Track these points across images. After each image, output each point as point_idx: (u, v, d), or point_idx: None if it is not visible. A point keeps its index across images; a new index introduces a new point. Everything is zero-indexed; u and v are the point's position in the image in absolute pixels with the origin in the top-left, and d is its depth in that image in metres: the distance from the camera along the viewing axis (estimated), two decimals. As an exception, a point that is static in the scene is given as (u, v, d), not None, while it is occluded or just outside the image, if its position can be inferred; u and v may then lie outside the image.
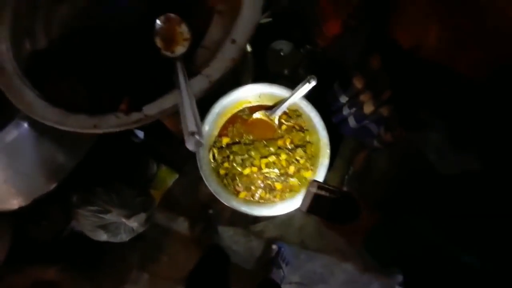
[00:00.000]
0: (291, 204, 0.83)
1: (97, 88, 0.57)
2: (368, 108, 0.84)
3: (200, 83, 0.54)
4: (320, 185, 0.54)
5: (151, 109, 0.54)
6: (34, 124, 0.74)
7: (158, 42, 0.60)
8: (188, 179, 1.11)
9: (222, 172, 0.89)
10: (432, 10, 0.62)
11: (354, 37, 0.80)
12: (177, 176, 1.02)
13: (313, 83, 0.84)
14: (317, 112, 0.87)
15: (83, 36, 0.63)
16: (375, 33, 0.76)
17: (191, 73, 0.56)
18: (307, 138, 0.90)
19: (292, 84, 0.83)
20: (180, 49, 0.60)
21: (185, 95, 0.52)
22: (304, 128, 0.90)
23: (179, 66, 0.56)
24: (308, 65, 0.98)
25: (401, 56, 0.73)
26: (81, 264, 0.95)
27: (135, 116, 0.54)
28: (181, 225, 1.11)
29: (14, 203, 0.77)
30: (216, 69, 0.55)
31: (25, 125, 0.73)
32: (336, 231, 0.59)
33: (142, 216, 0.84)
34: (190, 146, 0.48)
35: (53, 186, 0.77)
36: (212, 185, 0.85)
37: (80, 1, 0.67)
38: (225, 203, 0.85)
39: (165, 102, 0.54)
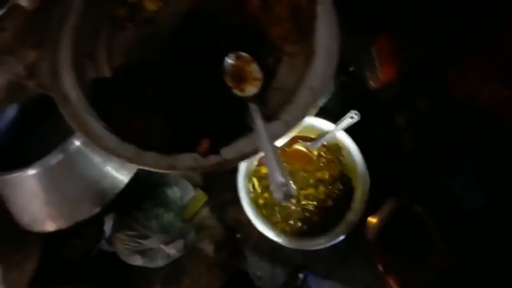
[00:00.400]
0: (329, 238, 0.83)
1: (168, 124, 0.56)
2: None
3: (279, 129, 0.54)
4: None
5: (230, 153, 0.53)
6: (82, 148, 0.72)
7: (228, 80, 0.60)
8: (216, 201, 1.10)
9: (261, 201, 0.89)
10: (494, 68, 0.64)
11: (405, 81, 0.82)
12: (207, 198, 1.02)
13: (356, 118, 0.86)
14: (357, 147, 0.89)
15: (149, 66, 0.61)
16: (427, 79, 0.78)
17: (266, 116, 0.56)
18: (346, 172, 0.91)
19: (323, 112, 0.85)
20: (251, 89, 0.59)
21: (266, 143, 0.51)
22: (343, 162, 0.91)
23: (252, 108, 0.56)
24: (345, 97, 0.99)
25: (451, 103, 0.74)
26: (108, 285, 0.93)
27: (213, 159, 0.53)
28: (206, 248, 1.10)
29: (53, 225, 0.76)
30: (294, 116, 0.55)
31: (73, 148, 0.71)
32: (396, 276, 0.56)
33: (181, 242, 0.83)
34: (279, 197, 0.48)
35: (97, 210, 0.75)
36: (251, 214, 0.85)
37: (144, 30, 0.66)
38: (264, 233, 0.85)
39: (244, 146, 0.54)
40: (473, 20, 0.68)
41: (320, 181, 0.91)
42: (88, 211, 0.75)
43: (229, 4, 0.66)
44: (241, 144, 0.54)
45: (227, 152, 0.53)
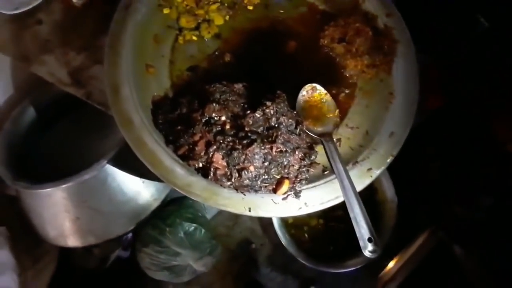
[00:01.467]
0: (355, 262, 0.84)
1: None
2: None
3: (361, 176, 0.52)
4: None
5: (311, 198, 0.51)
6: (118, 163, 0.67)
7: (302, 115, 0.57)
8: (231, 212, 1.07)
9: (290, 221, 0.88)
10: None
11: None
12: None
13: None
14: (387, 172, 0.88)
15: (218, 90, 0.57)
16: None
17: (344, 158, 0.54)
18: (376, 196, 0.91)
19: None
20: (326, 126, 0.57)
21: (351, 193, 0.50)
22: (373, 185, 0.90)
23: (330, 148, 0.53)
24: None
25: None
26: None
27: (294, 204, 0.51)
28: (221, 256, 1.08)
29: (81, 242, 0.71)
30: (376, 163, 0.53)
31: (109, 163, 0.66)
32: None
33: (209, 259, 0.81)
34: (368, 253, 0.47)
35: (131, 228, 0.71)
36: (281, 233, 0.84)
37: (210, 45, 0.61)
38: (292, 253, 0.84)
39: (326, 192, 0.51)
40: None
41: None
42: (121, 229, 0.71)
43: (303, 31, 0.61)
44: (323, 189, 0.51)
45: (309, 197, 0.50)
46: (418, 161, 0.94)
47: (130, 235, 0.84)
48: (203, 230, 0.81)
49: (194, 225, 0.80)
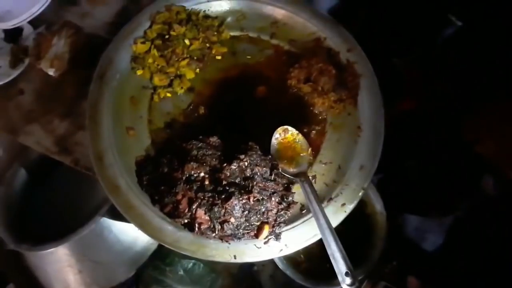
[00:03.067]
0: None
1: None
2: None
3: (336, 213, 0.56)
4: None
5: (291, 239, 0.55)
6: (112, 214, 0.71)
7: (277, 157, 0.60)
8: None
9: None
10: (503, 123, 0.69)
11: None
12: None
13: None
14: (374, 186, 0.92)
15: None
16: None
17: (319, 195, 0.57)
18: (365, 210, 0.94)
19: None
20: (301, 165, 0.60)
21: (327, 230, 0.53)
22: (362, 200, 0.94)
23: (305, 188, 0.57)
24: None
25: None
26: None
27: (276, 246, 0.54)
28: (223, 282, 1.11)
29: (86, 292, 0.74)
30: (349, 197, 0.57)
31: (104, 216, 0.70)
32: None
33: (210, 293, 0.84)
34: (345, 286, 0.50)
35: (131, 274, 0.75)
36: (277, 258, 0.87)
37: (184, 100, 0.64)
38: (290, 276, 0.87)
39: (305, 232, 0.55)
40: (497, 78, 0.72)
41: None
42: (122, 275, 0.74)
43: (271, 74, 0.65)
44: (301, 229, 0.55)
45: (289, 239, 0.54)
46: (394, 161, 0.97)
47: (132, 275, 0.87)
48: (201, 265, 0.84)
49: (193, 261, 0.83)
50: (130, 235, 0.74)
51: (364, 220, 0.94)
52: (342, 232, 0.93)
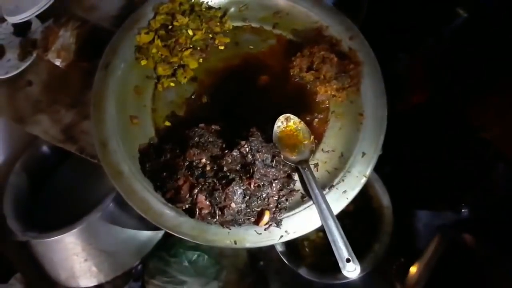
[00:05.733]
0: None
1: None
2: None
3: (338, 200, 0.56)
4: None
5: (292, 226, 0.55)
6: (118, 203, 0.72)
7: (279, 145, 0.60)
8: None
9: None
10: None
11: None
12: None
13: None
14: (381, 180, 0.91)
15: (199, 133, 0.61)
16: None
17: (321, 183, 0.57)
18: (371, 203, 0.93)
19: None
20: (303, 153, 0.60)
21: (329, 217, 0.53)
22: (368, 193, 0.93)
23: (308, 175, 0.57)
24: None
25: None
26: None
27: (276, 232, 0.54)
28: (229, 277, 1.11)
29: (92, 281, 0.75)
30: (351, 185, 0.57)
31: (111, 203, 0.71)
32: None
33: (215, 284, 0.84)
34: (345, 273, 0.50)
35: (136, 263, 0.75)
36: (282, 251, 0.87)
37: (187, 89, 0.65)
38: (295, 270, 0.87)
39: (305, 218, 0.55)
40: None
41: (345, 213, 0.93)
42: (128, 264, 0.76)
43: (274, 63, 0.65)
44: (302, 216, 0.55)
45: (290, 225, 0.54)
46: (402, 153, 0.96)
47: (140, 266, 0.88)
48: (206, 257, 0.85)
49: (197, 252, 0.84)
50: (135, 224, 0.75)
51: (371, 215, 0.93)
52: (349, 226, 0.93)
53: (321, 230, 0.91)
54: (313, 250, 0.93)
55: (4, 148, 0.84)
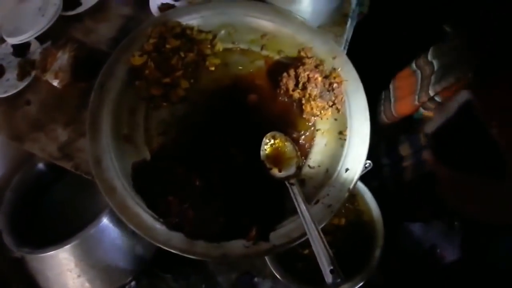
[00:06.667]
0: (352, 283, 0.87)
1: (217, 213, 0.58)
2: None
3: (323, 213, 0.58)
4: None
5: (279, 239, 0.57)
6: (112, 220, 0.73)
7: (266, 162, 0.63)
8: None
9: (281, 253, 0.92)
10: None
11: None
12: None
13: (369, 167, 0.90)
14: (370, 193, 0.93)
15: (190, 151, 0.64)
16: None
17: (306, 197, 0.59)
18: (363, 217, 0.95)
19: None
20: (289, 169, 0.63)
21: (312, 229, 0.55)
22: (358, 207, 0.95)
23: (294, 190, 0.59)
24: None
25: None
26: None
27: (263, 246, 0.56)
28: (223, 291, 1.12)
29: (85, 297, 0.76)
30: (335, 199, 0.59)
31: (104, 220, 0.73)
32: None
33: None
34: (329, 282, 0.52)
35: (129, 278, 0.77)
36: (274, 267, 0.88)
37: (179, 109, 0.67)
38: (288, 285, 0.88)
39: (291, 231, 0.57)
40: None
41: (337, 227, 0.95)
42: (121, 280, 0.77)
43: (262, 83, 0.69)
44: (288, 229, 0.57)
45: (277, 239, 0.56)
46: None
47: (133, 282, 0.89)
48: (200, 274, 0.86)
49: (191, 270, 0.85)
50: (128, 240, 0.77)
51: (363, 228, 0.95)
52: (342, 240, 0.94)
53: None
54: (306, 266, 0.94)
55: (1, 164, 0.86)
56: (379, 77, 0.82)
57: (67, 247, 0.71)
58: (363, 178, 0.84)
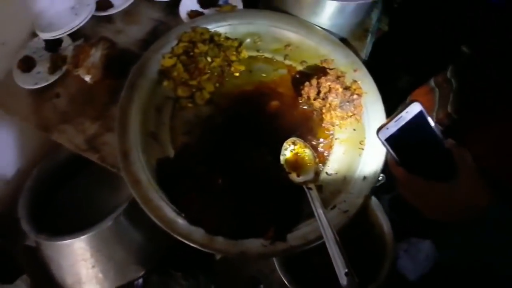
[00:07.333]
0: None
1: (236, 212, 0.60)
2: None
3: (339, 218, 0.60)
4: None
5: (296, 240, 0.59)
6: (128, 216, 0.75)
7: (286, 166, 0.65)
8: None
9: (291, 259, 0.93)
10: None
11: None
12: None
13: (382, 181, 0.92)
14: (381, 205, 0.95)
15: (212, 151, 0.66)
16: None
17: (324, 203, 0.61)
18: (374, 229, 0.96)
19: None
20: (307, 175, 0.65)
21: (329, 233, 0.57)
22: (369, 220, 0.96)
23: (312, 195, 0.61)
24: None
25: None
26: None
27: (280, 246, 0.58)
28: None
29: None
30: (351, 205, 0.61)
31: (122, 214, 0.74)
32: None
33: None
34: (344, 284, 0.54)
35: (141, 273, 0.78)
36: (283, 272, 0.89)
37: (204, 111, 0.70)
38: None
39: (308, 233, 0.59)
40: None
41: (349, 240, 0.96)
42: (133, 273, 0.78)
43: (284, 91, 0.71)
44: (305, 231, 0.59)
45: (294, 239, 0.58)
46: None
47: (140, 280, 0.91)
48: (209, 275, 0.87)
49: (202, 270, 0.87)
50: (144, 236, 0.78)
51: (373, 242, 0.96)
52: (352, 253, 0.95)
53: (320, 254, 0.95)
54: (314, 275, 0.95)
55: (24, 153, 0.89)
56: (394, 92, 0.84)
57: (84, 237, 0.73)
58: (375, 191, 0.86)
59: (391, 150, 0.51)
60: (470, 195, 0.48)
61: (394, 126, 0.50)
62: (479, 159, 0.66)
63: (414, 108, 0.49)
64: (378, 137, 0.51)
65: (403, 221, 0.97)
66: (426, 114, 0.49)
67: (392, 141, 0.50)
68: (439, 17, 0.90)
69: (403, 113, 0.49)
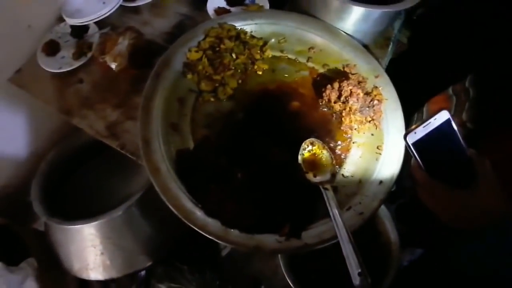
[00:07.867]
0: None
1: (254, 207, 0.61)
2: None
3: (354, 220, 0.61)
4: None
5: (311, 238, 0.59)
6: (140, 206, 0.76)
7: (303, 166, 0.66)
8: (239, 252, 1.13)
9: (296, 261, 0.93)
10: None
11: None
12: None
13: (393, 188, 0.93)
14: (390, 215, 0.95)
15: (233, 145, 0.67)
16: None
17: (340, 204, 0.62)
18: (381, 235, 0.97)
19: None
20: (324, 175, 0.65)
21: (344, 233, 0.57)
22: (377, 228, 0.97)
23: (328, 195, 0.62)
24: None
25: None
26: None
27: (295, 243, 0.58)
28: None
29: (103, 275, 0.78)
30: (367, 207, 0.62)
31: (133, 206, 0.75)
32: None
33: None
34: (357, 284, 0.54)
35: (148, 264, 0.78)
36: (288, 273, 0.89)
37: (225, 106, 0.71)
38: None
39: (323, 232, 0.59)
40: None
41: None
42: (141, 263, 0.78)
43: (305, 92, 0.72)
44: (320, 230, 0.59)
45: (309, 238, 0.59)
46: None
47: (143, 272, 0.91)
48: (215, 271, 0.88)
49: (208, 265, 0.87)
50: (154, 226, 0.79)
51: (379, 250, 0.96)
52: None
53: (326, 257, 0.95)
54: (318, 278, 0.96)
55: (39, 137, 0.90)
56: (411, 99, 0.85)
57: (96, 223, 0.73)
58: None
59: (416, 155, 0.52)
60: (489, 202, 0.49)
61: (422, 131, 0.51)
62: (495, 168, 0.67)
63: (443, 116, 0.50)
64: (406, 141, 0.51)
65: (410, 230, 0.98)
66: (453, 122, 0.50)
67: (418, 146, 0.51)
68: (459, 28, 0.91)
69: (431, 120, 0.50)
